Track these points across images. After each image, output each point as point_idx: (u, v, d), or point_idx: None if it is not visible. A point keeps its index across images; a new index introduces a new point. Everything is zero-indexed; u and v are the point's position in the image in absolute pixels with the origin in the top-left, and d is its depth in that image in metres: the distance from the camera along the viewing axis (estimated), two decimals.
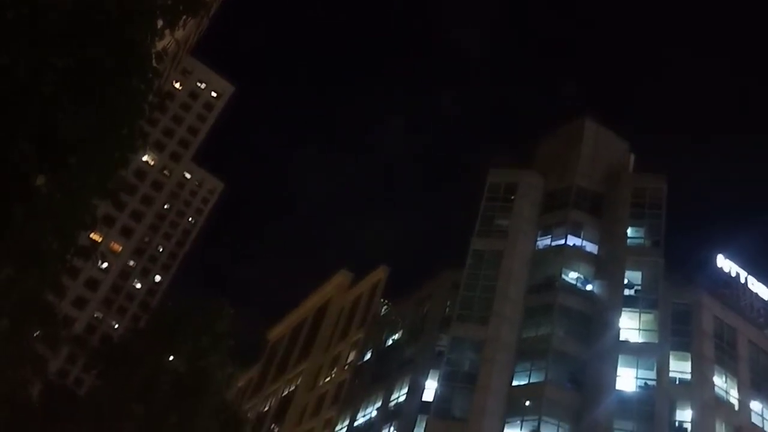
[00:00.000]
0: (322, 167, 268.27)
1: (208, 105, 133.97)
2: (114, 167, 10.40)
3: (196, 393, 24.91)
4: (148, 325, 28.80)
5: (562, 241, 54.45)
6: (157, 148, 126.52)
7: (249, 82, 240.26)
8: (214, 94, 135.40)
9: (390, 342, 60.74)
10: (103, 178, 10.19)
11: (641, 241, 54.19)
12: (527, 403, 47.14)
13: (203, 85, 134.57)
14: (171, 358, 25.71)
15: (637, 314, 49.94)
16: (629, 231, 54.29)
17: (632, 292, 51.29)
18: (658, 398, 45.69)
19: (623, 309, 49.99)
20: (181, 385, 25.02)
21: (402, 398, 52.94)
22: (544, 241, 55.65)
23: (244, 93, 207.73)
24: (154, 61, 10.23)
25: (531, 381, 48.02)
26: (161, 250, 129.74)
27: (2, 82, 8.73)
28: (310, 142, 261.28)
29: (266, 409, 74.55)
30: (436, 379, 50.34)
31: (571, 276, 53.53)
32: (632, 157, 62.79)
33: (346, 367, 64.63)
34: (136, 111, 10.43)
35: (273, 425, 70.27)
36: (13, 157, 8.69)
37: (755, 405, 48.49)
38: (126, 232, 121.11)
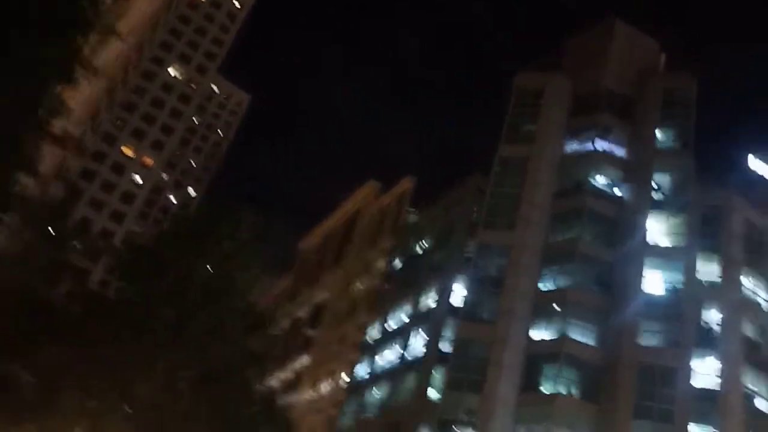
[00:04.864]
0: (347, 76, 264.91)
1: (231, 14, 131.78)
2: (71, 47, 10.19)
3: (221, 296, 25.81)
4: (174, 232, 29.48)
5: (591, 146, 53.79)
6: (183, 60, 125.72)
7: None
8: (236, 2, 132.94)
9: (418, 249, 61.55)
10: (58, 60, 10.01)
11: (670, 143, 53.27)
12: (554, 306, 47.87)
13: None
14: (196, 263, 26.54)
15: (666, 217, 49.75)
16: (658, 133, 53.34)
17: (661, 195, 50.94)
18: (686, 300, 45.99)
19: (651, 212, 49.77)
20: (207, 289, 25.93)
21: (431, 303, 54.10)
22: (572, 146, 54.98)
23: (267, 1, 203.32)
24: None
25: (558, 284, 48.61)
26: (193, 163, 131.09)
27: None
28: (334, 51, 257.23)
29: (301, 314, 76.84)
30: (464, 283, 51.21)
31: (599, 180, 53.16)
32: (663, 57, 61.01)
33: (377, 274, 65.94)
34: None
35: (308, 329, 72.58)
36: None
37: None
38: (157, 146, 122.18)
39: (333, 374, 64.14)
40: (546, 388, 45.00)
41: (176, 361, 24.80)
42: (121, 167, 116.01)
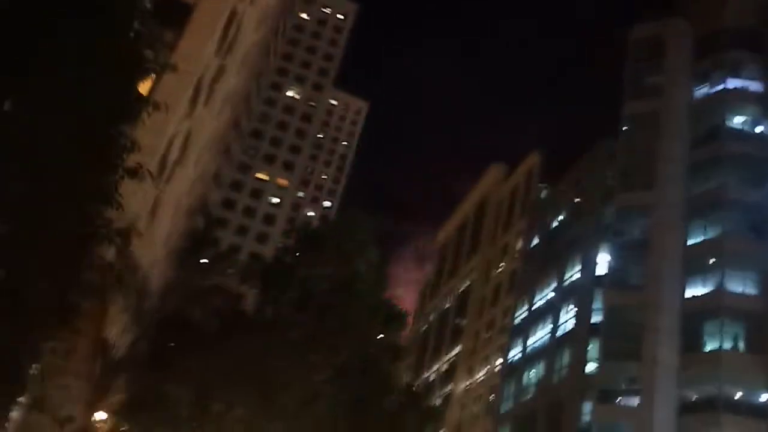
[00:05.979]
0: (455, 64, 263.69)
1: (337, 27, 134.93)
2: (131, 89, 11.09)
3: (349, 294, 26.41)
4: (295, 242, 30.62)
5: (722, 86, 50.54)
6: (299, 81, 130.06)
7: None
8: (340, 15, 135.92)
9: (555, 224, 60.17)
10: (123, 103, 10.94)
11: None
12: (706, 259, 45.25)
13: (329, 10, 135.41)
14: (320, 266, 27.37)
15: None
16: None
17: None
18: None
19: None
20: (334, 290, 26.68)
21: (576, 276, 52.68)
22: (701, 90, 51.93)
23: (370, 7, 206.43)
24: None
25: (707, 237, 45.95)
26: (324, 177, 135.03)
27: None
28: (442, 38, 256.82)
29: (447, 306, 77.14)
30: (607, 251, 49.52)
31: (737, 121, 49.84)
32: None
33: (516, 255, 65.11)
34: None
35: (456, 319, 72.74)
36: None
37: None
38: (288, 167, 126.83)
39: (487, 360, 63.88)
40: (709, 346, 42.59)
41: (312, 364, 25.65)
42: (258, 192, 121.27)
